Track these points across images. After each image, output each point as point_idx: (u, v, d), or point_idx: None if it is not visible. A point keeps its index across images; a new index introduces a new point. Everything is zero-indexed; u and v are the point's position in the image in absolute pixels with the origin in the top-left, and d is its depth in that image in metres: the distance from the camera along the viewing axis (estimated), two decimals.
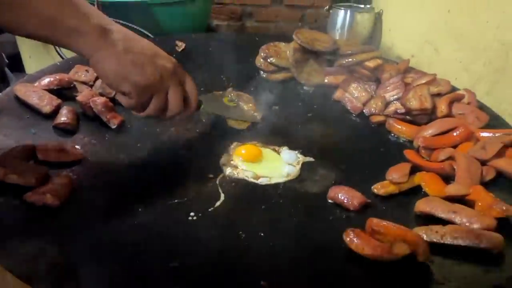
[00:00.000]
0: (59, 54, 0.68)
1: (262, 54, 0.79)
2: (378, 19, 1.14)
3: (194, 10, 0.89)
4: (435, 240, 0.32)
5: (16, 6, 0.39)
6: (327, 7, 1.17)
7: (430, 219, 0.37)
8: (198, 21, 0.94)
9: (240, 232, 0.38)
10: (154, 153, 0.52)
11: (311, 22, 1.19)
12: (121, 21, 0.81)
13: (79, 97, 0.54)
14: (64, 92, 0.56)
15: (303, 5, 1.22)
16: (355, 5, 1.18)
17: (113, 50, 0.43)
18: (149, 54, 0.46)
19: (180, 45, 0.79)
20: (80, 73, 0.60)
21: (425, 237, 0.32)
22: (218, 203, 0.43)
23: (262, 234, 0.38)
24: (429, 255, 0.30)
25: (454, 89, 0.61)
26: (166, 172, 0.48)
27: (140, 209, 0.40)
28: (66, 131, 0.51)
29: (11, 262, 0.31)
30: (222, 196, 0.45)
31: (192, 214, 0.40)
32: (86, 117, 0.54)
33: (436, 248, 0.32)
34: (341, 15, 1.12)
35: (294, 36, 0.76)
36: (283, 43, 0.80)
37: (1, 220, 0.36)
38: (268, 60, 0.77)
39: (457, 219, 0.33)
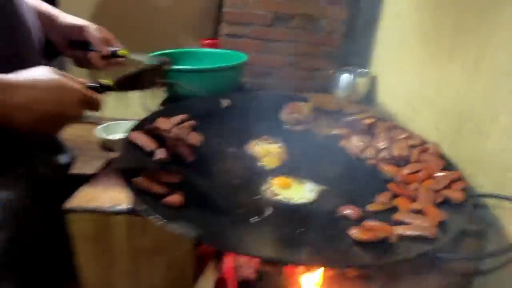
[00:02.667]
0: (144, 107, 0.94)
1: (287, 110, 1.06)
2: (373, 82, 1.44)
3: (234, 74, 1.18)
4: (401, 233, 0.55)
5: None
6: (333, 70, 1.47)
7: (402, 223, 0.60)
8: (235, 82, 1.23)
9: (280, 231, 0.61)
10: (215, 181, 0.76)
11: (320, 82, 1.48)
12: (179, 83, 1.09)
13: (167, 142, 0.79)
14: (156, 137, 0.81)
15: (313, 68, 1.52)
16: (355, 70, 1.48)
17: (17, 117, 0.47)
18: (54, 114, 0.50)
19: (225, 102, 1.06)
20: (165, 123, 0.85)
21: (399, 231, 0.56)
22: (265, 214, 0.67)
23: (297, 231, 0.61)
24: (398, 240, 0.53)
25: (424, 141, 0.86)
26: (229, 194, 0.72)
27: (221, 218, 0.63)
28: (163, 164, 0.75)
29: None
30: (268, 210, 0.68)
31: (252, 219, 0.64)
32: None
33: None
34: (344, 78, 1.42)
35: (309, 99, 1.04)
36: (302, 103, 1.07)
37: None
38: (291, 115, 1.04)
39: (415, 222, 0.57)
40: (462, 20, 0.91)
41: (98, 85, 0.59)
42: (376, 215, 0.65)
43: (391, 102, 1.29)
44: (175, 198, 0.60)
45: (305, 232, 0.60)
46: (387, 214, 0.65)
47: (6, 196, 0.63)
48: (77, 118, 0.54)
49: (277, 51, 1.49)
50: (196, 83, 1.09)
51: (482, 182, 0.77)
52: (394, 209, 0.66)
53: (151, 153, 0.75)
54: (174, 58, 1.26)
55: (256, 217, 0.64)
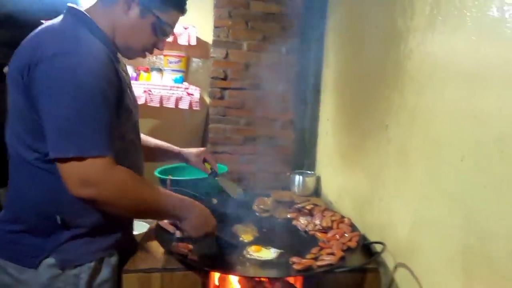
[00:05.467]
0: None
1: (256, 203, 1.56)
2: (318, 180, 2.00)
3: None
4: (319, 263, 1.01)
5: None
6: (289, 173, 2.03)
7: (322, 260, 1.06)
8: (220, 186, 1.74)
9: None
10: (215, 248, 1.20)
11: (281, 182, 2.02)
12: (182, 189, 1.59)
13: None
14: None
15: (274, 172, 2.08)
16: (305, 171, 2.05)
17: (190, 223, 0.97)
18: (204, 221, 1.01)
19: (214, 200, 1.55)
20: None
21: (318, 263, 1.02)
22: (247, 265, 1.11)
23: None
24: (317, 267, 0.98)
25: (343, 217, 1.37)
26: (223, 256, 1.16)
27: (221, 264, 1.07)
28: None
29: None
30: (248, 262, 1.12)
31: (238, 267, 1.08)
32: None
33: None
34: (297, 178, 1.97)
35: (271, 196, 1.56)
36: (266, 198, 1.58)
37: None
38: (259, 206, 1.53)
39: (328, 258, 1.03)
40: (354, 143, 1.52)
41: None
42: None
43: (330, 194, 1.83)
44: (192, 255, 1.04)
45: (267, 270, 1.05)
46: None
47: (116, 261, 1.00)
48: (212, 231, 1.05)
49: (249, 162, 2.06)
50: (195, 189, 1.59)
51: (373, 237, 1.27)
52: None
53: (173, 233, 1.20)
54: (176, 170, 1.78)
55: (239, 267, 1.08)
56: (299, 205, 1.48)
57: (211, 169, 1.38)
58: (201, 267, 1.01)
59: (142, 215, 0.95)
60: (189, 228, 1.00)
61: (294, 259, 1.08)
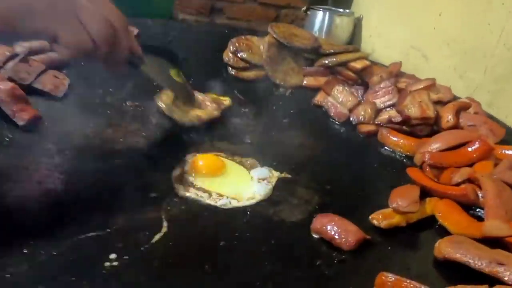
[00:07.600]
0: None
1: (231, 47, 0.68)
2: (358, 24, 1.08)
3: None
4: None
5: None
6: (305, 8, 1.09)
7: (456, 266, 0.26)
8: (159, 9, 0.81)
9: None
10: (75, 162, 0.38)
11: (286, 23, 1.10)
12: None
13: None
14: None
15: (278, 4, 1.13)
16: (333, 8, 1.11)
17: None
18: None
19: (132, 30, 0.66)
20: None
21: None
22: (157, 237, 0.30)
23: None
24: None
25: (455, 97, 0.52)
26: (88, 190, 0.34)
27: (38, 243, 0.26)
28: None
29: None
30: (165, 227, 0.31)
31: (112, 256, 0.27)
32: None
33: None
34: (320, 17, 1.06)
35: (269, 29, 0.66)
36: (256, 37, 0.69)
37: None
38: (239, 55, 0.66)
39: (506, 275, 0.23)
40: None
41: None
42: (391, 238, 0.31)
43: (385, 50, 0.94)
44: None
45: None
46: (416, 235, 0.31)
47: None
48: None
49: None
50: None
51: None
52: (427, 224, 0.31)
53: None
54: None
55: (113, 255, 0.26)
56: (333, 59, 0.60)
57: None
58: None
59: None
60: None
61: (332, 230, 0.27)
